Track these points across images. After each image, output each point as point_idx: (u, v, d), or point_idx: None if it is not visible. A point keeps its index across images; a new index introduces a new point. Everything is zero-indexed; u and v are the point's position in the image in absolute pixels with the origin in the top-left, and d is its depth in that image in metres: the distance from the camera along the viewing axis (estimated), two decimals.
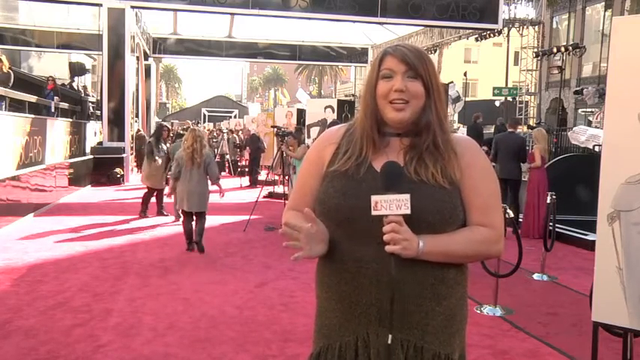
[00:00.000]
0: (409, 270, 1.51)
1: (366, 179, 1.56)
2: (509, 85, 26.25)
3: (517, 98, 24.18)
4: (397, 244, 1.46)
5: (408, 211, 1.46)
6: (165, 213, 9.50)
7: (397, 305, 1.52)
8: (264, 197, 11.10)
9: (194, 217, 6.98)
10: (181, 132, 10.09)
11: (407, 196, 1.46)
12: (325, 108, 13.70)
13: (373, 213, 1.47)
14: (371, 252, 1.52)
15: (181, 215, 7.40)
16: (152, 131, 25.30)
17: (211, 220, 9.08)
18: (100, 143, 15.50)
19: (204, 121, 40.34)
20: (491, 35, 18.96)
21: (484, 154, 1.67)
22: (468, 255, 1.59)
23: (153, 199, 9.58)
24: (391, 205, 1.46)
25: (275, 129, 11.77)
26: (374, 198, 1.47)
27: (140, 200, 9.63)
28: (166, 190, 8.18)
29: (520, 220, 8.19)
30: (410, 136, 1.60)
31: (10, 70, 12.35)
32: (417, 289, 1.53)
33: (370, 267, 1.52)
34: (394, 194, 1.46)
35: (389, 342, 1.52)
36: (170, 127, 10.67)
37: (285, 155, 9.81)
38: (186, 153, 6.84)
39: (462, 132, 13.60)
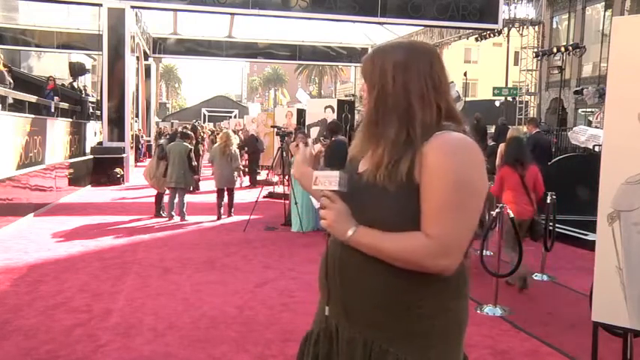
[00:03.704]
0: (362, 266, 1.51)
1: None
2: (509, 85, 26.23)
3: (517, 98, 24.17)
4: (326, 219, 1.50)
5: (337, 188, 1.49)
6: (163, 214, 9.49)
7: (348, 298, 1.52)
8: (264, 197, 11.09)
9: (225, 194, 9.54)
10: (182, 131, 10.07)
11: (336, 173, 1.50)
12: (325, 108, 13.69)
13: (313, 187, 1.54)
14: (337, 240, 1.55)
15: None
16: (151, 131, 25.50)
17: (211, 220, 9.12)
18: (100, 143, 15.49)
19: (204, 121, 40.31)
20: (491, 35, 18.95)
21: (451, 156, 1.43)
22: (397, 259, 1.45)
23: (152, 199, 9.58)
24: (325, 180, 1.51)
25: (275, 129, 11.78)
26: (314, 173, 1.54)
27: (140, 201, 9.62)
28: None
29: None
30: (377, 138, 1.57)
31: (5, 69, 12.32)
32: (369, 288, 1.50)
33: (330, 254, 1.57)
34: (328, 171, 1.52)
35: (347, 335, 1.53)
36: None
37: (285, 155, 9.81)
38: (219, 147, 9.39)
39: None
